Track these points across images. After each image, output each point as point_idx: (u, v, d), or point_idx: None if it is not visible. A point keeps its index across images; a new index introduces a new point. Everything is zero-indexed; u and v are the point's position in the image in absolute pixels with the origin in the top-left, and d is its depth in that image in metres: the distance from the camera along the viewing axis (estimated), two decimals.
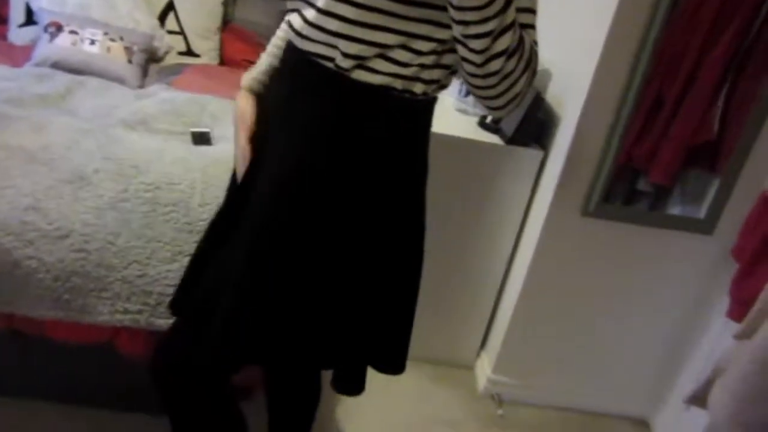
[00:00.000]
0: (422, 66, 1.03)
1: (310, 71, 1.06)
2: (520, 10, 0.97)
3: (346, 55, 1.01)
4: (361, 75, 1.03)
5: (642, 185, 2.01)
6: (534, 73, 1.01)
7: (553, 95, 2.02)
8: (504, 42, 0.92)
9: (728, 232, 1.93)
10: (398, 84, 1.04)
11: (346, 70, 1.03)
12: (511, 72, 0.96)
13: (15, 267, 1.47)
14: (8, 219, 1.51)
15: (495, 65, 0.94)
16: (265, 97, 1.24)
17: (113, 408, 1.79)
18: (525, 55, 0.97)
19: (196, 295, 1.21)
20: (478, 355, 2.30)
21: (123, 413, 1.79)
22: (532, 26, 1.01)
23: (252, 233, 1.11)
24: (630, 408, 2.25)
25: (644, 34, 1.70)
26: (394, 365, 1.25)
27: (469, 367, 2.30)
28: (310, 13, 1.03)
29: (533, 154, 1.99)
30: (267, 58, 1.27)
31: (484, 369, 2.22)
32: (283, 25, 1.20)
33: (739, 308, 1.62)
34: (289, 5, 1.11)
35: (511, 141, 1.96)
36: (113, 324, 1.51)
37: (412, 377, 2.19)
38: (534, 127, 1.97)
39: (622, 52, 1.73)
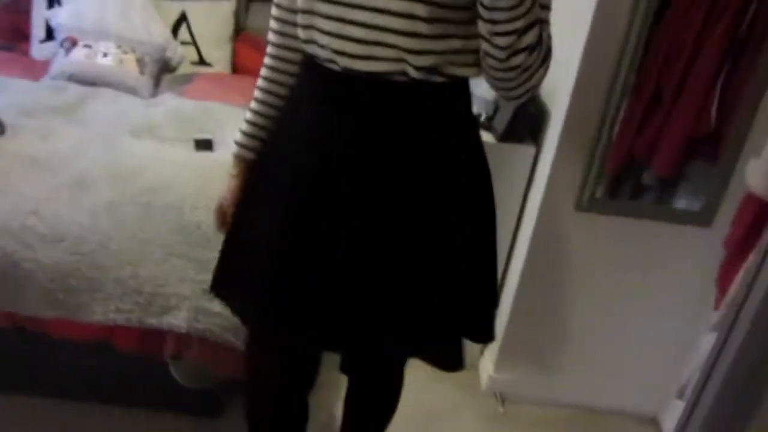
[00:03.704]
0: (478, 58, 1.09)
1: (377, 90, 1.09)
2: (540, 7, 1.02)
3: (418, 68, 1.06)
4: (433, 79, 1.09)
5: (646, 179, 1.99)
6: (548, 67, 1.08)
7: (545, 90, 2.02)
8: (527, 39, 0.98)
9: (727, 224, 1.89)
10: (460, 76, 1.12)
11: (420, 79, 1.08)
12: (530, 66, 1.02)
13: (14, 268, 1.56)
14: (10, 223, 1.61)
15: (517, 60, 1.00)
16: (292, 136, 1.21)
17: (113, 403, 1.86)
18: (543, 50, 1.03)
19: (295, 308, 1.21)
20: (481, 353, 2.30)
21: (122, 407, 1.86)
22: (547, 21, 1.06)
23: (365, 240, 1.15)
24: (638, 405, 2.22)
25: (628, 24, 1.69)
26: (486, 334, 1.33)
27: (473, 365, 2.30)
28: (361, 32, 1.04)
29: (526, 150, 1.99)
30: (267, 121, 1.27)
31: (487, 367, 2.23)
32: (275, 64, 1.24)
33: (723, 299, 1.59)
34: (305, 31, 1.11)
35: (503, 138, 1.97)
36: (107, 323, 1.58)
37: (413, 374, 2.19)
38: (526, 123, 1.97)
39: (606, 44, 1.72)
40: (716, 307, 1.66)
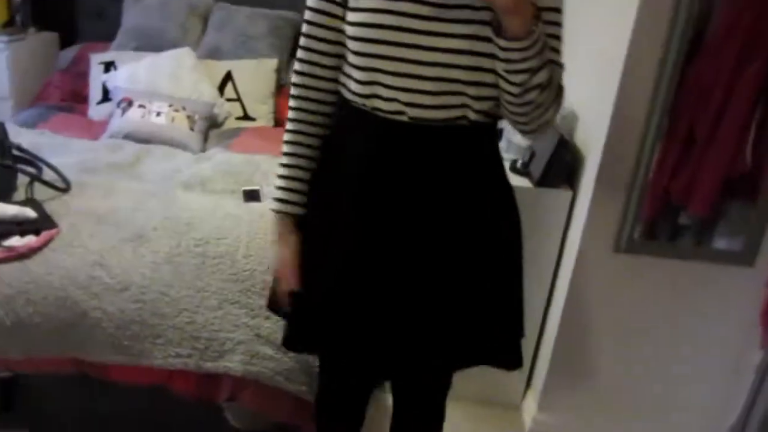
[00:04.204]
0: None
1: (440, 134, 1.20)
2: (550, 50, 1.14)
3: (478, 112, 1.20)
4: (485, 120, 1.23)
5: (684, 219, 2.02)
6: (560, 104, 1.21)
7: (579, 137, 2.09)
8: (539, 77, 1.11)
9: None
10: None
11: (476, 121, 1.21)
12: (543, 102, 1.15)
13: (83, 317, 1.67)
14: (78, 274, 1.72)
15: (530, 96, 1.13)
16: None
17: None
18: (554, 89, 1.17)
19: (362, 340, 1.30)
20: (524, 394, 2.32)
21: None
22: (558, 63, 1.19)
23: (433, 275, 1.26)
24: None
25: (660, 67, 1.76)
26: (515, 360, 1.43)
27: (516, 407, 2.32)
28: (432, 86, 1.15)
29: (562, 194, 2.05)
30: (301, 172, 1.30)
31: (530, 408, 2.24)
32: (308, 117, 1.28)
33: None
34: (366, 87, 1.19)
35: (539, 183, 2.03)
36: (167, 367, 1.66)
37: (457, 417, 2.22)
38: (561, 168, 2.03)
39: (638, 87, 1.78)
40: (762, 345, 1.66)
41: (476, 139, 1.24)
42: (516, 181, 2.08)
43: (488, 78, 1.14)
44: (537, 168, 2.05)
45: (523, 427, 2.26)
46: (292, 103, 1.30)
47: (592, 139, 1.96)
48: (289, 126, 1.31)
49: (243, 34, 3.11)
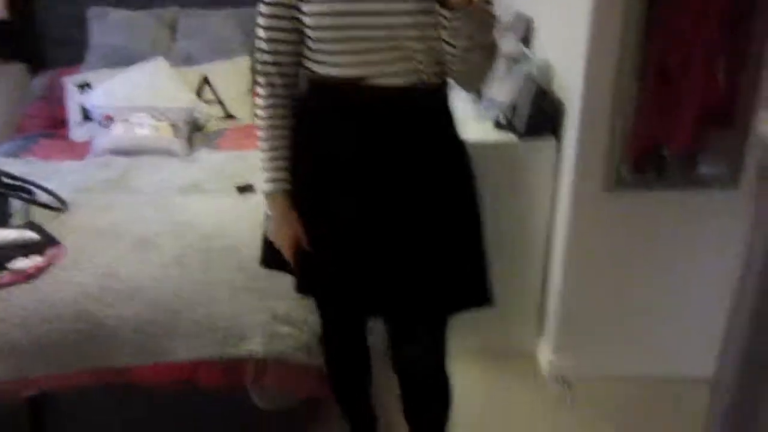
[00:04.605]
0: None
1: (404, 99, 1.34)
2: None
3: (430, 75, 1.34)
4: (438, 81, 1.36)
5: (666, 151, 2.07)
6: (495, 59, 1.39)
7: (558, 87, 2.13)
8: (478, 39, 1.26)
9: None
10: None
11: (431, 83, 1.34)
12: (483, 62, 1.33)
13: (101, 326, 1.69)
14: (89, 288, 1.74)
15: (472, 56, 1.29)
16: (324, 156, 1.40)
17: None
18: (490, 48, 1.33)
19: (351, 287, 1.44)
20: (537, 341, 2.37)
21: None
22: (492, 26, 1.33)
23: (409, 225, 1.39)
24: (700, 369, 2.24)
25: (626, 16, 1.81)
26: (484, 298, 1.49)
27: (531, 354, 2.37)
28: (388, 55, 1.29)
29: (547, 143, 2.09)
30: (283, 151, 1.41)
31: (545, 352, 2.30)
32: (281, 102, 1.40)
33: None
34: (331, 66, 1.32)
35: (524, 135, 2.08)
36: (191, 359, 1.69)
37: (476, 372, 2.28)
38: (543, 119, 2.07)
39: (607, 37, 1.84)
40: None
41: (431, 98, 1.39)
42: (501, 136, 2.13)
43: (435, 44, 1.30)
44: (520, 121, 2.09)
45: (541, 370, 2.31)
46: (263, 91, 1.41)
47: (570, 88, 2.01)
48: (263, 113, 1.41)
49: (213, 37, 3.14)
